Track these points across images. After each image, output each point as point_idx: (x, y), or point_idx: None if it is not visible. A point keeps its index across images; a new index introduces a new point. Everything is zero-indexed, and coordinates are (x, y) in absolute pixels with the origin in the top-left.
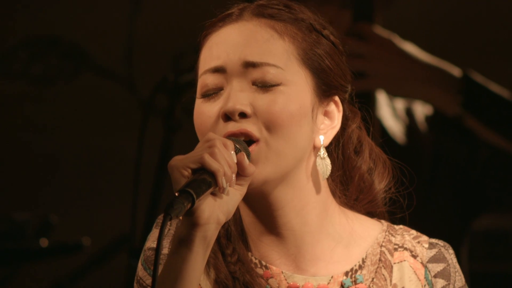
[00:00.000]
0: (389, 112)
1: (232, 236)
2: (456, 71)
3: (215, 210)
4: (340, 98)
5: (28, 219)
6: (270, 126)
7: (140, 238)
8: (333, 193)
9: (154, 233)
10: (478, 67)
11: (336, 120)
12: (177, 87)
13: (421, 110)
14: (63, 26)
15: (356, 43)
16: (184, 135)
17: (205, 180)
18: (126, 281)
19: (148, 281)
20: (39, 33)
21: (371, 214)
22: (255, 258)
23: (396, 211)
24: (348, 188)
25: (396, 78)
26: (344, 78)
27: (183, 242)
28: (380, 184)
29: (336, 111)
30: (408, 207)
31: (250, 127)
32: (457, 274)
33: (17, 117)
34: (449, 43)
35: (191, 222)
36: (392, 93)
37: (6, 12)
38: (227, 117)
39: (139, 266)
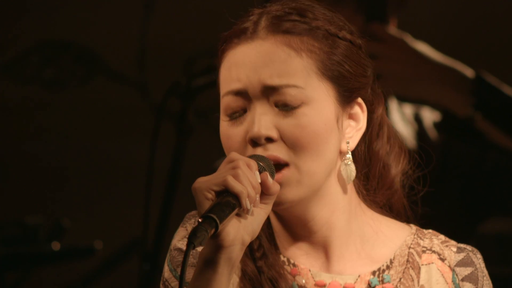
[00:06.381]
0: (398, 117)
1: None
2: (468, 72)
3: (240, 231)
4: (362, 98)
5: (40, 223)
6: (297, 150)
7: (152, 242)
8: (358, 192)
9: (180, 232)
10: (491, 69)
11: (361, 121)
12: (189, 91)
13: (429, 116)
14: (76, 30)
15: (370, 44)
16: (196, 139)
17: (229, 202)
18: (138, 285)
19: (174, 283)
20: (51, 37)
21: (391, 207)
22: (283, 256)
23: (408, 213)
24: (369, 181)
25: (408, 79)
26: (364, 73)
27: (208, 264)
28: (397, 167)
29: (360, 112)
30: (416, 209)
31: (278, 151)
32: (485, 278)
33: (29, 121)
34: (462, 44)
35: (216, 244)
36: (404, 94)
37: (19, 16)
38: (254, 142)
39: (165, 266)
